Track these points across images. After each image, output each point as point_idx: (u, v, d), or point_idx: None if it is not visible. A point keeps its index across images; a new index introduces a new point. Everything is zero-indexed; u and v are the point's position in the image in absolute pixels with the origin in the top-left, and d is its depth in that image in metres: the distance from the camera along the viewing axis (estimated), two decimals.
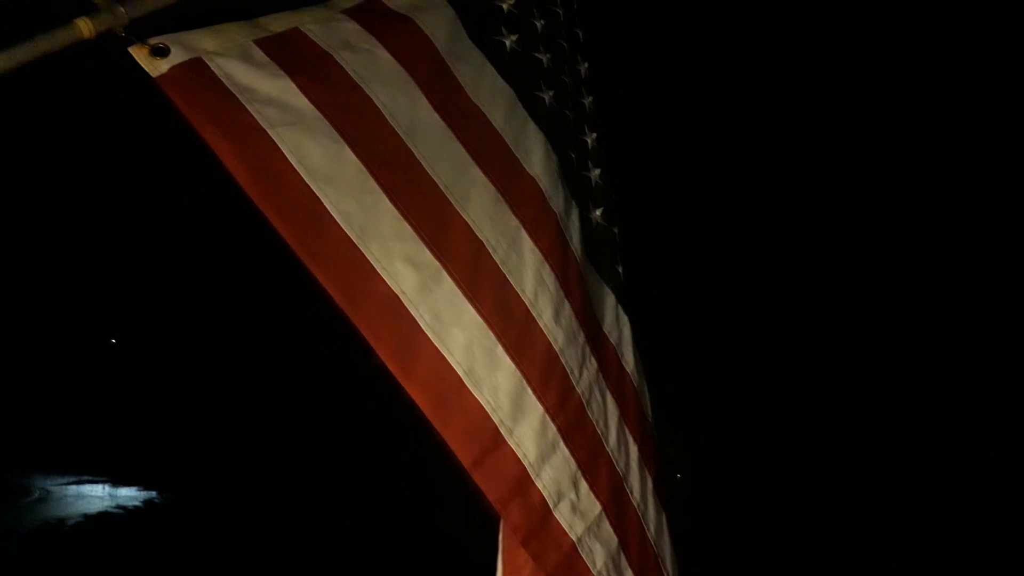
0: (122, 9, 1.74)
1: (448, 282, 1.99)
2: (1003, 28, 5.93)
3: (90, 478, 9.94)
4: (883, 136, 6.68)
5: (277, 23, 2.00)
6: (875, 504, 6.29)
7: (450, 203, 2.06)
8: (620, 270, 2.61)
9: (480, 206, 2.12)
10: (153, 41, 1.77)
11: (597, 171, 2.59)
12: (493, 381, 2.02)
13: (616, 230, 2.64)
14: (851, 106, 6.62)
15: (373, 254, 1.89)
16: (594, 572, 2.22)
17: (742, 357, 6.82)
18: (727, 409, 6.54)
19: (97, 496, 9.62)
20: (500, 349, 2.05)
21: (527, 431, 2.07)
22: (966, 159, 6.49)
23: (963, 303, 6.59)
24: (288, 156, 1.83)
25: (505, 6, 2.39)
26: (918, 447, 6.34)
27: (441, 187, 2.05)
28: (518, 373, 2.08)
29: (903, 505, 6.18)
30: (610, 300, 2.57)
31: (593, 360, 2.37)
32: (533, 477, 2.07)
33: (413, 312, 1.92)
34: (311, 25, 2.04)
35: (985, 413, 6.34)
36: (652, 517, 2.54)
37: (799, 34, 6.26)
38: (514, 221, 2.18)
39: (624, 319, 2.60)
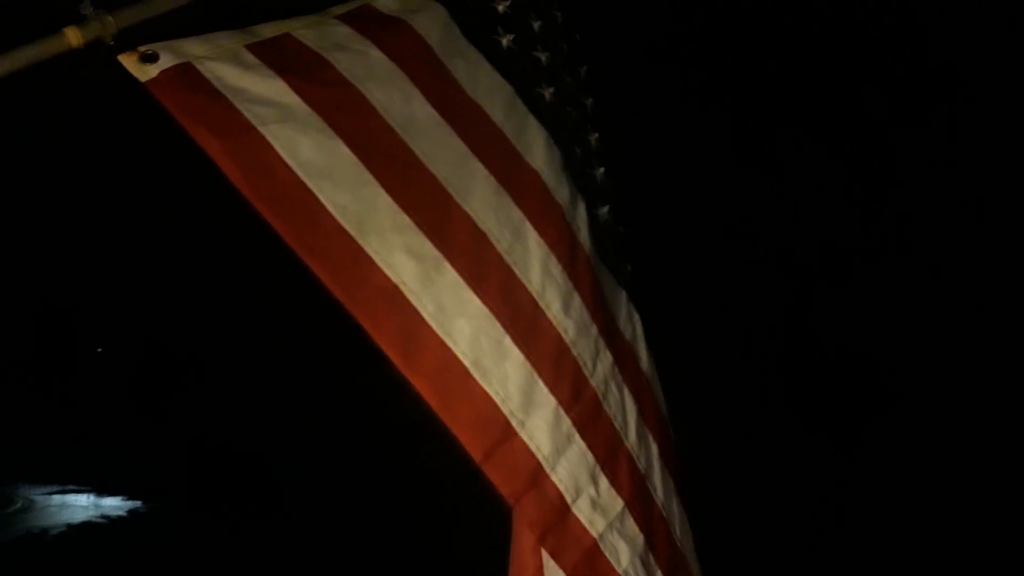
0: (111, 18, 1.75)
1: (451, 272, 1.94)
2: (1002, 28, 5.93)
3: (74, 487, 9.77)
4: (893, 131, 6.61)
5: (268, 29, 2.00)
6: (885, 506, 6.22)
7: (450, 196, 2.02)
8: (629, 268, 2.57)
9: (482, 198, 2.08)
10: (142, 49, 1.76)
11: (601, 169, 2.57)
12: (502, 372, 1.96)
13: (622, 228, 2.61)
14: (858, 97, 6.53)
15: (372, 246, 1.85)
16: (619, 571, 2.14)
17: (751, 355, 6.72)
18: (737, 408, 6.46)
19: (81, 506, 9.46)
20: (508, 340, 1.99)
21: (540, 423, 2.01)
22: (967, 161, 6.48)
23: (970, 307, 6.56)
24: (280, 152, 1.80)
25: (500, 7, 2.38)
26: (930, 449, 6.26)
27: (440, 180, 2.02)
28: (528, 365, 2.01)
29: (914, 508, 6.11)
30: (622, 297, 2.53)
31: (608, 353, 2.31)
32: (548, 471, 2.00)
33: (415, 303, 1.87)
34: (303, 30, 2.03)
35: (997, 422, 6.28)
36: (677, 517, 2.48)
37: (802, 30, 6.20)
38: (517, 213, 2.14)
39: (636, 316, 2.56)
